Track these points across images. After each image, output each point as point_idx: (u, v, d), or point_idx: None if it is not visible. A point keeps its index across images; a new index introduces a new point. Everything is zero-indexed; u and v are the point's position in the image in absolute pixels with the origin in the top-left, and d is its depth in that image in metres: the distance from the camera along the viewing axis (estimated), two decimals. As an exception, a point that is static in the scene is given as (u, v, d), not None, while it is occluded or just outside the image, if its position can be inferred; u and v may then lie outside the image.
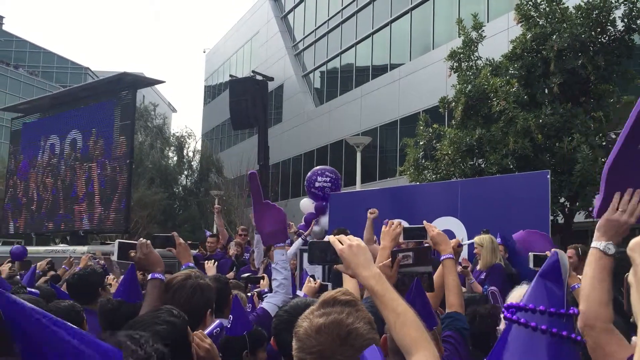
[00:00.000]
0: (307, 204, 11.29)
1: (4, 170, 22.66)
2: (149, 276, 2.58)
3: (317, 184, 9.82)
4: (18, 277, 6.72)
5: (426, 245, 3.00)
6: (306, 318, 1.50)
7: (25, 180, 17.00)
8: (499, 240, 6.08)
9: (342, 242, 1.76)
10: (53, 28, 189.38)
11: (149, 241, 2.70)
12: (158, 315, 2.01)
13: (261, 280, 5.28)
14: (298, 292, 3.46)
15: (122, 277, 3.92)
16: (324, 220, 9.39)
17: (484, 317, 3.29)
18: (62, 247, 13.57)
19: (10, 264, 7.45)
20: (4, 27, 52.73)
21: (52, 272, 7.16)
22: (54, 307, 3.16)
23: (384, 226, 3.05)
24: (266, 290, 5.22)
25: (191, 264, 3.16)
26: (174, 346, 1.88)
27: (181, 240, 3.23)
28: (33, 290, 3.14)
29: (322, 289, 3.54)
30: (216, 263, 5.78)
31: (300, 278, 6.65)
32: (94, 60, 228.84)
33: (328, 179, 9.96)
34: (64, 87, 38.80)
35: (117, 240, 2.82)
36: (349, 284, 2.62)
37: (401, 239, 3.12)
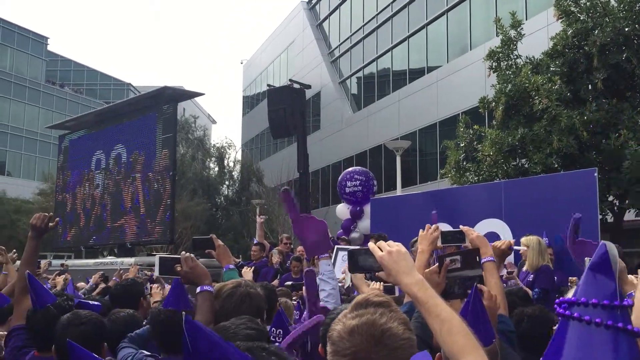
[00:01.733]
0: (343, 210, 11.26)
1: (54, 186, 23.42)
2: (198, 289, 2.55)
3: (347, 189, 9.71)
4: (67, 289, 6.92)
5: (474, 247, 2.94)
6: (339, 321, 1.48)
7: (74, 195, 17.52)
8: (546, 241, 5.92)
9: (382, 249, 1.73)
10: (95, 46, 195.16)
11: (192, 255, 2.65)
12: (242, 324, 2.02)
13: (303, 287, 5.28)
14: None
15: (167, 286, 3.99)
16: (362, 225, 9.33)
17: (533, 319, 3.17)
18: (110, 259, 13.91)
19: (65, 275, 7.66)
20: (49, 48, 54.59)
21: (102, 285, 7.35)
22: (114, 317, 3.22)
23: (421, 230, 3.01)
24: (309, 296, 5.23)
25: (231, 266, 3.16)
26: None
27: (220, 242, 3.21)
28: (95, 303, 3.21)
29: (386, 290, 3.45)
30: (253, 269, 5.83)
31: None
32: (135, 76, 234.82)
33: (358, 182, 9.80)
34: (107, 103, 39.90)
35: (158, 256, 2.77)
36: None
37: (439, 243, 3.07)
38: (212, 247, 3.20)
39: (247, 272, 4.45)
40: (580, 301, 1.04)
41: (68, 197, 17.79)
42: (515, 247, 3.88)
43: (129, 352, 2.99)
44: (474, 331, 1.54)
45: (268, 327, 2.56)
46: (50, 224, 3.14)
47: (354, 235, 10.69)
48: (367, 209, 9.60)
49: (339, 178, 11.27)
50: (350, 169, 11.56)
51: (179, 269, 2.59)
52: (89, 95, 57.69)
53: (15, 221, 33.32)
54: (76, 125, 18.74)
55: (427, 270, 2.61)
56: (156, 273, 2.79)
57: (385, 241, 5.17)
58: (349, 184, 9.89)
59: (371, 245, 1.78)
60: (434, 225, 3.00)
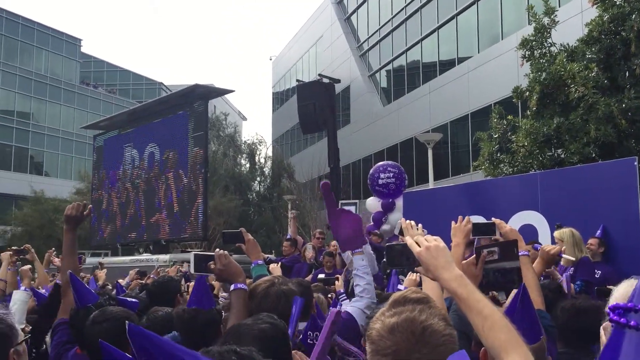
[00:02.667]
0: (373, 203, 11.16)
1: (90, 185, 23.88)
2: (232, 287, 2.52)
3: (380, 181, 9.64)
4: (109, 286, 7.03)
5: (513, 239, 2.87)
6: (377, 320, 1.45)
7: (109, 193, 17.84)
8: (599, 233, 5.73)
9: (420, 244, 1.69)
10: (127, 47, 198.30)
11: (226, 252, 2.62)
12: (259, 318, 2.01)
13: (335, 282, 5.25)
14: (400, 287, 3.37)
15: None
16: (393, 217, 9.25)
17: (587, 311, 3.00)
18: (146, 256, 14.12)
19: (105, 270, 7.77)
20: (83, 49, 55.62)
21: (138, 281, 7.44)
22: (152, 316, 3.24)
23: (453, 222, 2.97)
24: (342, 290, 5.20)
25: (260, 262, 3.14)
26: (275, 347, 1.88)
27: (250, 236, 3.18)
28: (134, 300, 3.23)
29: (495, 301, 3.39)
30: (280, 264, 5.82)
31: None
32: (167, 75, 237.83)
33: (391, 174, 9.71)
34: (139, 102, 40.51)
35: (193, 253, 2.75)
36: (429, 285, 2.52)
37: (471, 236, 3.02)
38: (242, 240, 3.18)
39: (275, 268, 4.45)
40: (637, 308, 0.96)
41: (104, 196, 18.13)
42: (564, 256, 3.70)
43: None
44: (522, 328, 1.50)
45: (304, 324, 2.53)
46: (85, 212, 3.18)
47: (385, 227, 10.61)
48: (399, 201, 9.52)
49: (371, 171, 11.16)
50: (382, 162, 11.47)
51: (212, 266, 2.56)
52: (122, 95, 58.66)
53: (54, 220, 34.12)
54: (110, 125, 19.06)
55: (464, 262, 2.56)
56: (191, 270, 2.78)
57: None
58: (382, 175, 9.81)
59: (409, 240, 1.74)
60: (466, 218, 2.96)
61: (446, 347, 1.37)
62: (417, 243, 1.70)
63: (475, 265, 2.49)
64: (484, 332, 1.46)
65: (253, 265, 3.14)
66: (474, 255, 2.58)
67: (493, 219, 3.01)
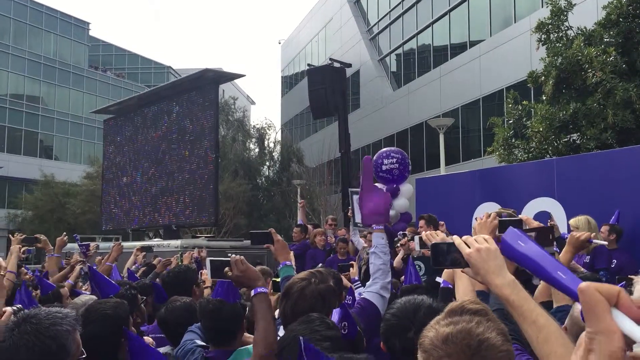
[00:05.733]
0: (376, 190, 11.04)
1: (100, 170, 23.93)
2: (252, 292, 2.41)
3: (384, 167, 9.53)
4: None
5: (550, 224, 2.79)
6: (432, 328, 1.38)
7: (119, 178, 17.83)
8: (613, 219, 5.63)
9: (470, 245, 1.60)
10: (135, 30, 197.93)
11: (242, 257, 2.48)
12: (315, 329, 1.94)
13: (350, 268, 5.19)
14: (438, 279, 3.27)
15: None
16: (398, 203, 9.14)
17: None
18: (156, 241, 14.11)
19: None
20: (91, 33, 55.43)
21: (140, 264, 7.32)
22: (171, 306, 3.18)
23: (478, 218, 2.87)
24: (356, 278, 5.13)
25: (289, 263, 3.08)
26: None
27: (279, 237, 3.12)
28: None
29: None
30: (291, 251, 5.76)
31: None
32: (175, 59, 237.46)
33: (394, 159, 9.57)
34: (148, 87, 40.43)
35: (209, 260, 2.61)
36: (462, 282, 2.42)
37: (496, 232, 2.92)
38: (271, 241, 3.11)
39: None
40: None
41: (114, 181, 18.13)
42: (595, 241, 3.52)
43: (189, 338, 2.95)
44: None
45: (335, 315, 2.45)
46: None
47: (391, 213, 10.52)
48: (403, 187, 9.39)
49: (374, 157, 11.06)
50: (384, 148, 11.35)
51: (229, 273, 2.44)
52: (131, 79, 58.55)
53: (64, 204, 34.29)
54: (119, 110, 19.01)
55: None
56: (209, 277, 2.68)
57: (435, 222, 5.05)
58: (385, 161, 9.67)
59: (457, 240, 1.65)
60: (492, 214, 2.87)
61: None
62: (466, 243, 1.61)
63: None
64: (538, 344, 1.38)
65: (281, 265, 3.08)
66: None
67: (520, 215, 2.93)
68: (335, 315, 2.16)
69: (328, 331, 1.92)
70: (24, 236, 5.16)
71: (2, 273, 1.89)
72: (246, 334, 2.92)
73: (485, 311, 1.41)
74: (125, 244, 9.78)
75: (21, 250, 4.77)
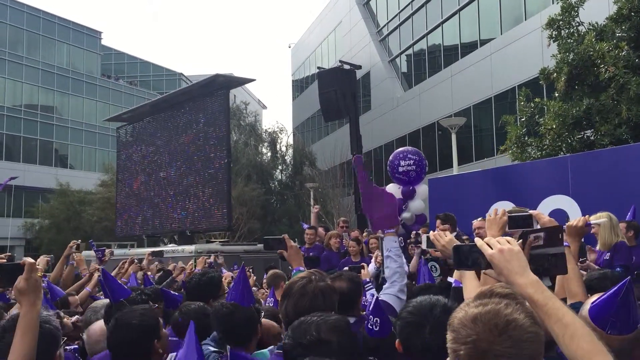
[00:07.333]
0: (393, 190, 10.96)
1: (114, 177, 24.10)
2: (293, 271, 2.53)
3: (400, 169, 9.47)
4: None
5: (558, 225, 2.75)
6: (461, 309, 1.42)
7: (134, 185, 17.96)
8: (629, 216, 5.56)
9: (492, 246, 1.61)
10: (146, 38, 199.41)
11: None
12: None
13: (362, 270, 5.16)
14: (450, 279, 3.25)
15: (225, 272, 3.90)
16: (413, 205, 9.09)
17: None
18: (171, 247, 14.18)
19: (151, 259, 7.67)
20: (103, 42, 55.93)
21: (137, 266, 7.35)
22: (185, 309, 3.19)
23: (488, 215, 2.86)
24: (368, 280, 5.10)
25: (301, 268, 3.07)
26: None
27: (292, 243, 3.15)
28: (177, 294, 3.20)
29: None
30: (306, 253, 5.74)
31: None
32: (186, 65, 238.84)
33: (411, 161, 9.50)
34: (160, 94, 40.69)
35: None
36: (470, 282, 2.40)
37: (506, 228, 2.91)
38: (284, 247, 3.12)
39: None
40: None
41: (128, 188, 18.26)
42: (593, 221, 3.50)
43: (204, 343, 2.95)
44: (620, 319, 1.50)
45: (351, 319, 2.44)
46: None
47: (406, 215, 10.46)
48: (420, 188, 9.35)
49: (390, 158, 11.02)
50: (401, 148, 11.30)
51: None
52: (143, 86, 58.99)
53: (80, 212, 34.58)
54: (132, 117, 19.15)
55: None
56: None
57: (453, 221, 5.00)
58: (402, 163, 9.60)
59: (479, 241, 1.65)
60: (501, 210, 2.86)
61: (530, 344, 1.33)
62: (488, 244, 1.62)
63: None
64: (565, 341, 1.40)
65: (294, 271, 3.09)
66: (520, 241, 2.48)
67: (530, 210, 2.90)
68: (368, 308, 2.15)
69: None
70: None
71: (39, 274, 1.93)
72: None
73: (514, 295, 1.45)
74: (140, 250, 9.88)
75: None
